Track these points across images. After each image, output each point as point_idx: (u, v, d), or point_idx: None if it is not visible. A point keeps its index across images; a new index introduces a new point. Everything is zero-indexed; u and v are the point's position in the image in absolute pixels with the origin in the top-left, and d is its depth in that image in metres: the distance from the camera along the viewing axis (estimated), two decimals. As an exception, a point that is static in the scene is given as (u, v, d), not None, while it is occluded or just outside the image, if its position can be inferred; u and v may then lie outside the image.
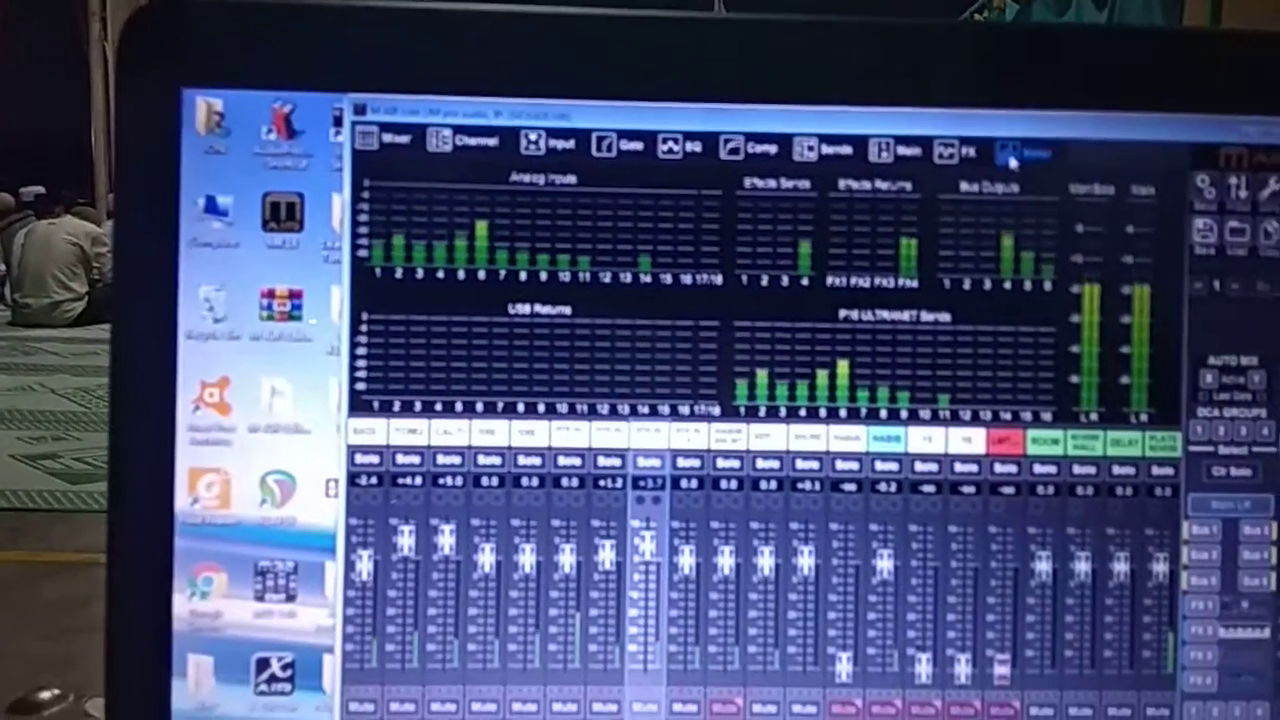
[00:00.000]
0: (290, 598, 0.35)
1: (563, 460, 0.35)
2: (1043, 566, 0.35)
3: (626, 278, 0.35)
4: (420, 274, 0.35)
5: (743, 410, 0.35)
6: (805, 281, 0.35)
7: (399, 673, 0.35)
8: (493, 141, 0.35)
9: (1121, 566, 0.35)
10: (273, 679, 0.35)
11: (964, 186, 0.35)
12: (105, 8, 8.90)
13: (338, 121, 0.35)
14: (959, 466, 0.35)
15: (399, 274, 0.35)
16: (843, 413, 0.35)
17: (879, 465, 0.35)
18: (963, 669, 0.35)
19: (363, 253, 0.35)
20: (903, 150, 0.35)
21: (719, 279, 0.35)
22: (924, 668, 0.35)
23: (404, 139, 0.35)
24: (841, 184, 0.35)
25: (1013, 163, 0.35)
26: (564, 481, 0.35)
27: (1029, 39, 0.36)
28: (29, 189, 6.94)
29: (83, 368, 4.42)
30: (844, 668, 0.35)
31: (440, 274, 0.35)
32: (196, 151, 0.35)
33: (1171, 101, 0.35)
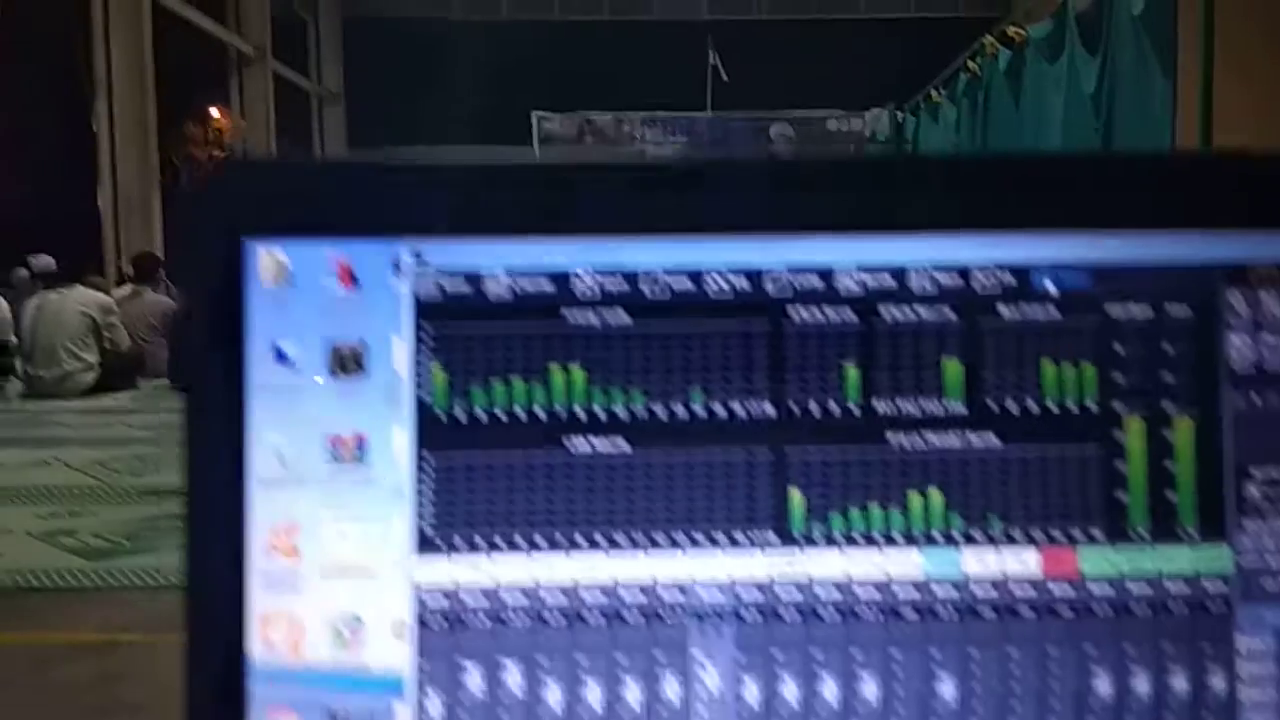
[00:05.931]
0: (360, 738, 0.35)
1: (625, 594, 0.36)
2: (1102, 686, 0.36)
3: (680, 411, 0.36)
4: (481, 415, 0.36)
5: (799, 538, 0.36)
6: (854, 409, 0.36)
7: None
8: (547, 284, 0.36)
9: (1179, 683, 0.36)
10: (344, 819, 0.35)
11: (1004, 312, 0.36)
12: (110, 75, 9.05)
13: (397, 268, 0.36)
14: (1016, 590, 0.36)
15: (460, 415, 0.36)
16: (898, 537, 0.36)
17: (936, 589, 0.36)
18: (1026, 788, 0.36)
19: (425, 396, 0.36)
20: (942, 278, 0.36)
21: (770, 409, 0.36)
22: (988, 788, 0.36)
23: (461, 283, 0.36)
24: (885, 312, 0.36)
25: (1050, 287, 0.36)
26: (625, 615, 0.36)
27: (1060, 165, 0.37)
28: (38, 259, 6.99)
29: (96, 439, 4.41)
30: (908, 789, 0.35)
31: (501, 414, 0.36)
32: (263, 301, 0.36)
33: (1200, 220, 0.37)
